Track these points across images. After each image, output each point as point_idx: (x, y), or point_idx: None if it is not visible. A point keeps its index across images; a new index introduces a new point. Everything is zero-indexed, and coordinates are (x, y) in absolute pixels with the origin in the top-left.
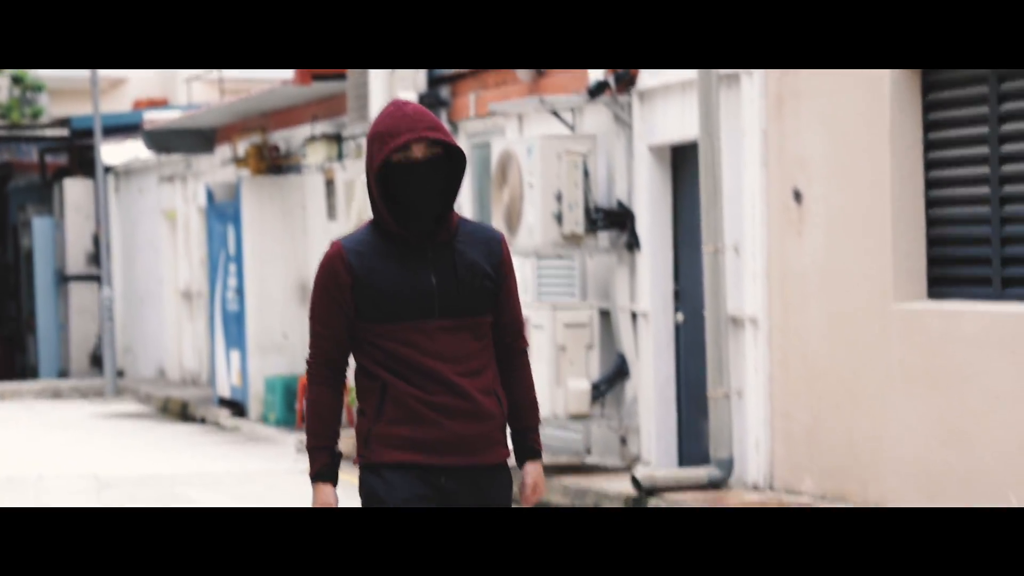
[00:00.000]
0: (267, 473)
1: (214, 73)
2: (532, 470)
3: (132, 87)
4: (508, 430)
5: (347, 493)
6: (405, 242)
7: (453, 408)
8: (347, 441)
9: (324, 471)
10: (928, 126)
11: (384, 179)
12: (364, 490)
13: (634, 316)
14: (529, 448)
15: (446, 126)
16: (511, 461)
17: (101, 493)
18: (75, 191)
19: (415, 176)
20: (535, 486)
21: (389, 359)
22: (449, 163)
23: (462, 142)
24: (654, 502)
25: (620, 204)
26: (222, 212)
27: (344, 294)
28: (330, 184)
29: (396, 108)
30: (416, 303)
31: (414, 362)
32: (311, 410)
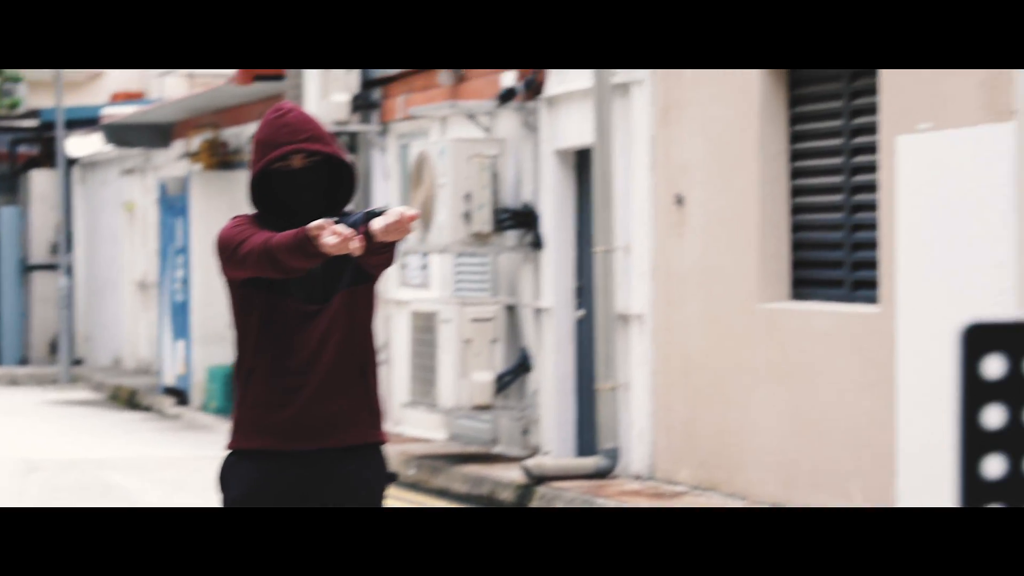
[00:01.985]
0: (196, 459)
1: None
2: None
3: (111, 80)
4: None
5: None
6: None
7: (311, 388)
8: None
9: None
10: (793, 136)
11: (267, 184)
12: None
13: (538, 312)
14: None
15: (328, 132)
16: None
17: (27, 476)
18: (41, 182)
19: (295, 184)
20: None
21: (263, 337)
22: (333, 168)
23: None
24: (542, 490)
25: (526, 205)
26: (173, 205)
27: (255, 227)
28: None
29: (277, 116)
30: (302, 283)
31: (282, 342)
32: (268, 244)
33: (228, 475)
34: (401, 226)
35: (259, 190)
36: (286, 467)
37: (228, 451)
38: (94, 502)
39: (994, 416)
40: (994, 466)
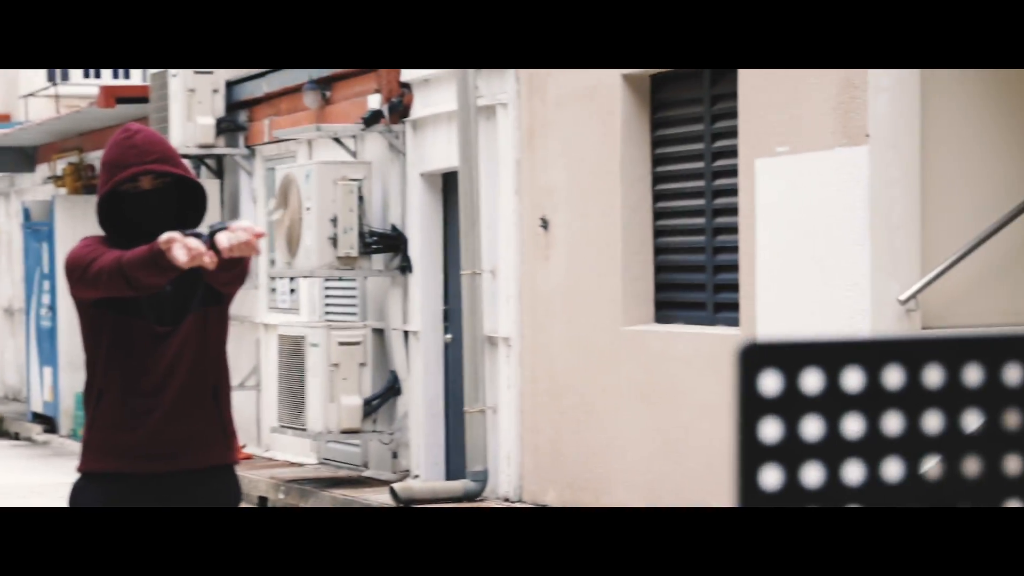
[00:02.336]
0: (63, 485)
1: (51, 90)
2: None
3: None
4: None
5: None
6: None
7: (161, 410)
8: None
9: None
10: (655, 160)
11: (117, 205)
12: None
13: (406, 335)
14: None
15: (178, 153)
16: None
17: None
18: None
19: (144, 205)
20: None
21: (112, 358)
22: (183, 190)
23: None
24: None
25: (394, 228)
26: (38, 230)
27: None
28: None
29: (126, 137)
30: (150, 305)
31: (132, 364)
32: (120, 262)
33: (78, 498)
34: (247, 242)
35: (108, 212)
36: (137, 490)
37: (79, 474)
38: None
39: (770, 430)
40: (771, 477)
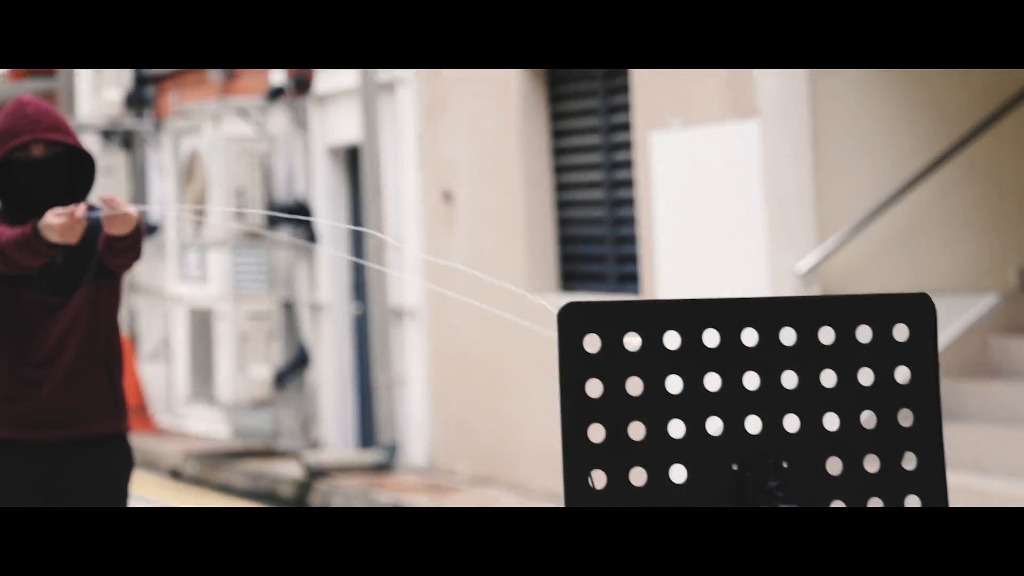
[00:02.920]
0: None
1: None
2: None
3: None
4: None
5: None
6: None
7: (54, 382)
8: None
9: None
10: (555, 133)
11: (10, 174)
12: None
13: (314, 307)
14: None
15: (70, 125)
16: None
17: None
18: None
19: (35, 173)
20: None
21: (4, 329)
22: (74, 160)
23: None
24: (322, 484)
25: (298, 201)
26: None
27: None
28: None
29: (18, 107)
30: (42, 277)
31: (24, 334)
32: (10, 245)
33: None
34: (120, 217)
35: (1, 181)
36: (31, 456)
37: None
38: None
39: (594, 388)
40: (596, 433)
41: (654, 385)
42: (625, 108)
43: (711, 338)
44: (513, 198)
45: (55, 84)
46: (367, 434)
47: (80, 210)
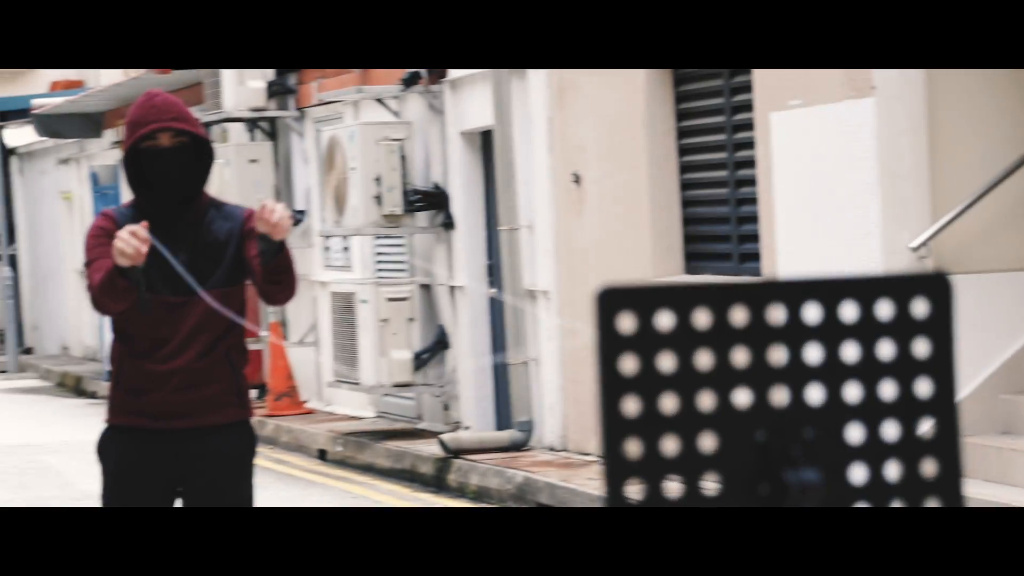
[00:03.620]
0: None
1: None
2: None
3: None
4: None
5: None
6: (157, 219)
7: (178, 376)
8: None
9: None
10: (680, 115)
11: (136, 163)
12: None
13: (452, 290)
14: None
15: (195, 116)
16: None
17: None
18: None
19: (160, 162)
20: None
21: (130, 326)
22: (197, 150)
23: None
24: (459, 463)
25: (436, 186)
26: (106, 194)
27: (109, 243)
28: None
29: (147, 99)
30: (163, 277)
31: (149, 331)
32: (102, 287)
33: (105, 447)
34: (271, 221)
35: (130, 170)
36: (157, 442)
37: (105, 424)
38: (28, 486)
39: (629, 364)
40: (631, 406)
41: (685, 361)
42: (747, 89)
43: (739, 316)
44: (639, 179)
45: (201, 74)
46: (504, 414)
47: (141, 232)
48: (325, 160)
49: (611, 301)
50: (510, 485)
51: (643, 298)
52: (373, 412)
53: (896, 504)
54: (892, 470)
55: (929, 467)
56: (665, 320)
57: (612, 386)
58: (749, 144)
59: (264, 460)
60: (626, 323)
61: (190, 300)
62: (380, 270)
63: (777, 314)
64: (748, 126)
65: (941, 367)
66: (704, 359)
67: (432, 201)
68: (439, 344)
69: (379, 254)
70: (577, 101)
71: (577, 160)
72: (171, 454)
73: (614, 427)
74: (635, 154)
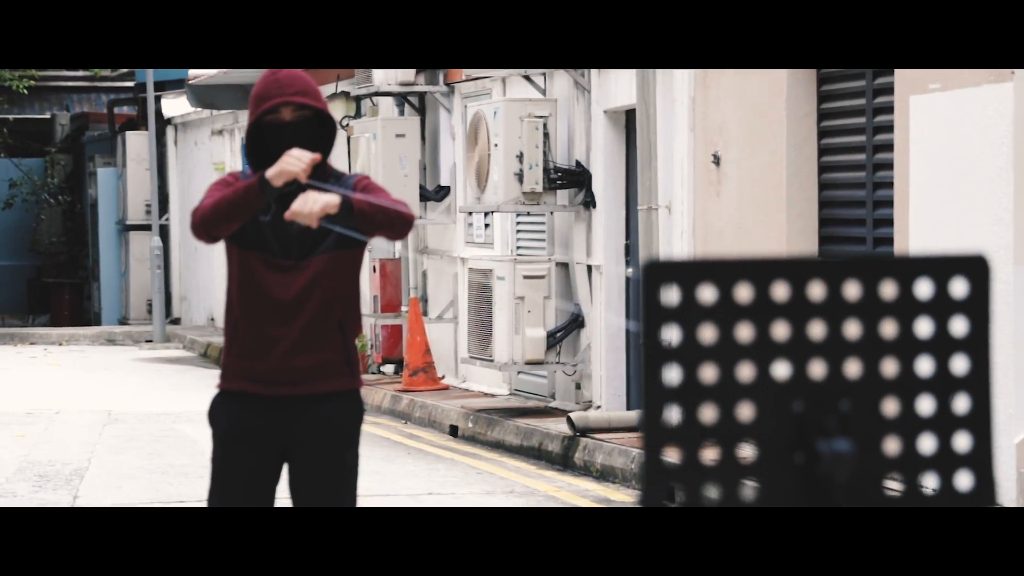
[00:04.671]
0: None
1: None
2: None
3: None
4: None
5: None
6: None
7: (289, 341)
8: None
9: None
10: (821, 97)
11: (259, 137)
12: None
13: (589, 269)
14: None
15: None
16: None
17: (105, 427)
18: (137, 143)
19: (283, 135)
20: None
21: (242, 290)
22: (320, 124)
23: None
24: (586, 441)
25: (578, 164)
26: None
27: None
28: (348, 139)
29: (271, 74)
30: (276, 240)
31: (261, 295)
32: (207, 205)
33: (215, 412)
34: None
35: (253, 144)
36: (265, 408)
37: (217, 390)
38: (161, 454)
39: (670, 335)
40: (673, 374)
41: (726, 333)
42: (888, 72)
43: (781, 291)
44: (777, 161)
45: None
46: (636, 394)
47: (309, 155)
48: (469, 136)
49: (657, 274)
50: (634, 464)
51: (687, 272)
52: (507, 390)
53: (929, 480)
54: (926, 444)
55: (962, 442)
56: (708, 293)
57: (655, 356)
58: (888, 128)
59: (395, 435)
60: (671, 295)
61: (301, 263)
62: (520, 247)
63: (817, 291)
64: (888, 109)
65: (977, 345)
66: (745, 332)
67: (573, 179)
68: (574, 323)
69: (519, 232)
70: (719, 83)
71: (717, 141)
72: (279, 420)
73: (655, 395)
74: (774, 136)
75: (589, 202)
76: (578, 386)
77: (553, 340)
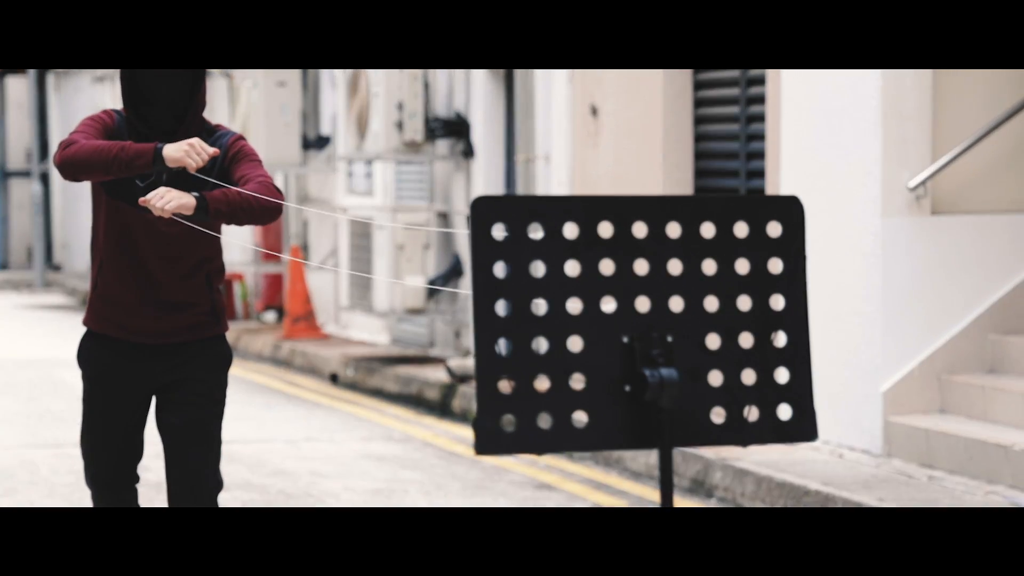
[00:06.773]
0: None
1: None
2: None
3: None
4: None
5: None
6: (146, 137)
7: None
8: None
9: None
10: None
11: (132, 80)
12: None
13: (469, 219)
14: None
15: None
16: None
17: None
18: (16, 89)
19: (153, 78)
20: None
21: (110, 236)
22: (191, 71)
23: None
24: (464, 388)
25: (458, 115)
26: None
27: (103, 131)
28: (229, 87)
29: None
30: (145, 193)
31: (128, 246)
32: (84, 148)
33: (84, 354)
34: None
35: (126, 85)
36: (132, 353)
37: (84, 327)
38: (38, 399)
39: (499, 269)
40: (500, 307)
41: (555, 269)
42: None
43: (606, 229)
44: (654, 113)
45: None
46: None
47: (209, 150)
48: (350, 85)
49: (486, 210)
50: None
51: (515, 208)
52: (388, 338)
53: (752, 411)
54: (747, 376)
55: (782, 375)
56: (536, 230)
57: (485, 289)
58: (761, 81)
59: (276, 381)
60: (499, 231)
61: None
62: (401, 196)
63: (641, 229)
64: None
65: (793, 284)
66: (572, 268)
67: (453, 129)
68: (453, 272)
69: (400, 181)
70: None
71: (595, 92)
72: (146, 366)
73: (486, 327)
74: (651, 88)
75: (468, 152)
76: (457, 334)
77: (433, 289)
